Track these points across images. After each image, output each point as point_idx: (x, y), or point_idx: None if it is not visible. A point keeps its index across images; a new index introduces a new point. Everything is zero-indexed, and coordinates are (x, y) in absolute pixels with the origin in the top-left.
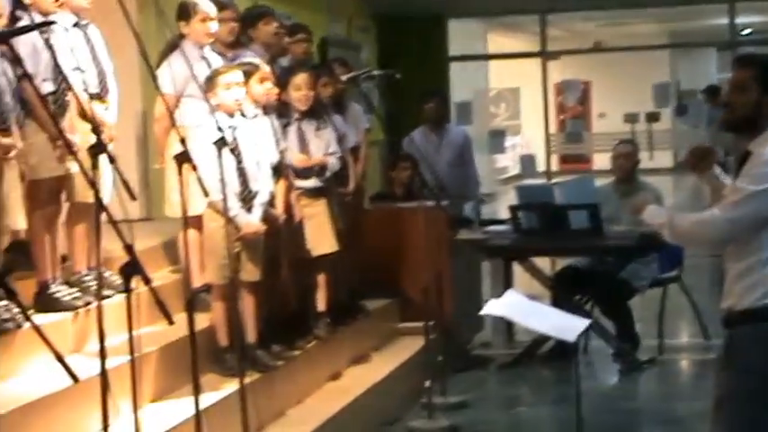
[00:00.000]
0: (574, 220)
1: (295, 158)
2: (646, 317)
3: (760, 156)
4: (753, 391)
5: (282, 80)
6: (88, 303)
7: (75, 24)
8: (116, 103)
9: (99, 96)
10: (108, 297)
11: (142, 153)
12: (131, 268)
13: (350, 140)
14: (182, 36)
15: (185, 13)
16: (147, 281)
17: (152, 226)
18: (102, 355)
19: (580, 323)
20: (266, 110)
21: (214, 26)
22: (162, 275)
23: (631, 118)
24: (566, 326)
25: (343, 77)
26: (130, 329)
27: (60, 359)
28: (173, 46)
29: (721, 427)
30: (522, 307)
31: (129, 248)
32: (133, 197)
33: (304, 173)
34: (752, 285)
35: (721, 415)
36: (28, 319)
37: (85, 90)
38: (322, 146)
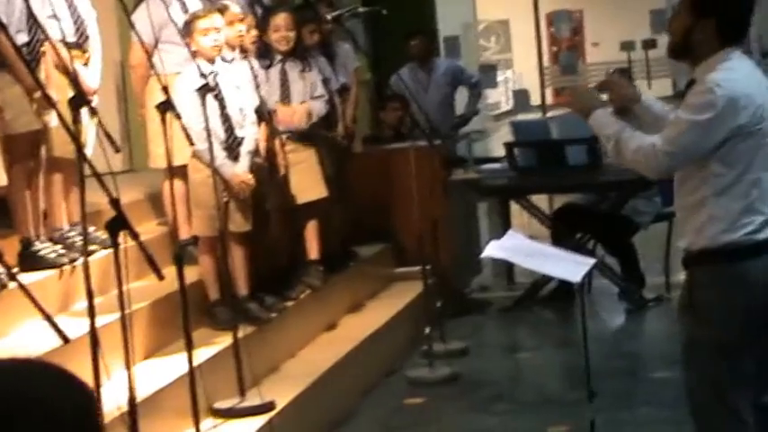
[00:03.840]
0: (572, 155)
1: (279, 112)
2: (651, 254)
3: (701, 83)
4: (715, 337)
5: (262, 21)
6: (74, 260)
7: None
8: (99, 62)
9: (78, 45)
10: (93, 253)
11: (121, 104)
12: (118, 223)
13: (338, 81)
14: None
15: None
16: (134, 236)
17: (135, 178)
18: (92, 313)
19: (585, 262)
20: (244, 53)
21: None
22: (147, 229)
23: (627, 46)
24: (570, 266)
25: (328, 17)
26: (120, 286)
27: (49, 319)
28: None
29: (690, 374)
30: (524, 248)
31: (114, 202)
32: (117, 149)
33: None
34: (706, 221)
35: (689, 360)
36: (14, 279)
37: (62, 40)
38: (306, 89)
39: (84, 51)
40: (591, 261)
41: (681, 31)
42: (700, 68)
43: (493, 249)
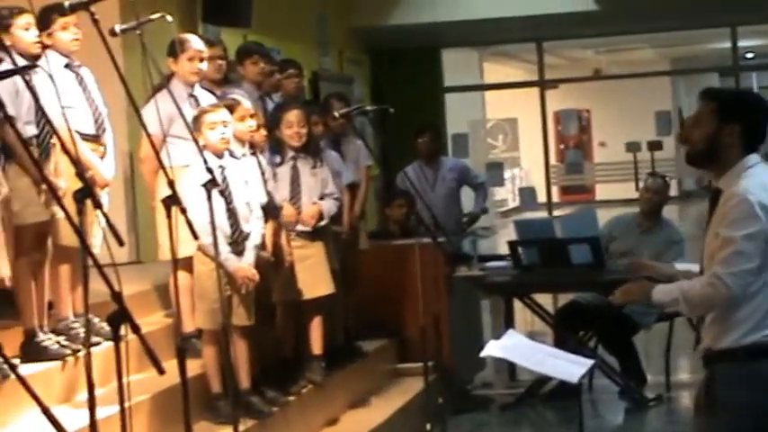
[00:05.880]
0: (575, 254)
1: (286, 212)
2: (652, 353)
3: (734, 197)
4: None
5: (274, 117)
6: (77, 351)
7: (66, 65)
8: (113, 154)
9: (95, 138)
10: (96, 344)
11: (129, 195)
12: (119, 316)
13: (346, 178)
14: (171, 74)
15: (174, 50)
16: (135, 329)
17: (142, 269)
18: (92, 405)
19: (583, 363)
20: (253, 149)
21: (203, 65)
22: (154, 320)
23: (633, 147)
24: (569, 366)
25: (336, 113)
26: (120, 380)
27: (47, 412)
28: (161, 85)
29: None
30: (523, 348)
31: (116, 296)
32: (121, 242)
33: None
34: (733, 323)
35: None
36: (14, 370)
37: (77, 131)
38: (317, 187)
39: (101, 144)
40: (589, 362)
41: (705, 138)
42: (724, 179)
43: (493, 348)
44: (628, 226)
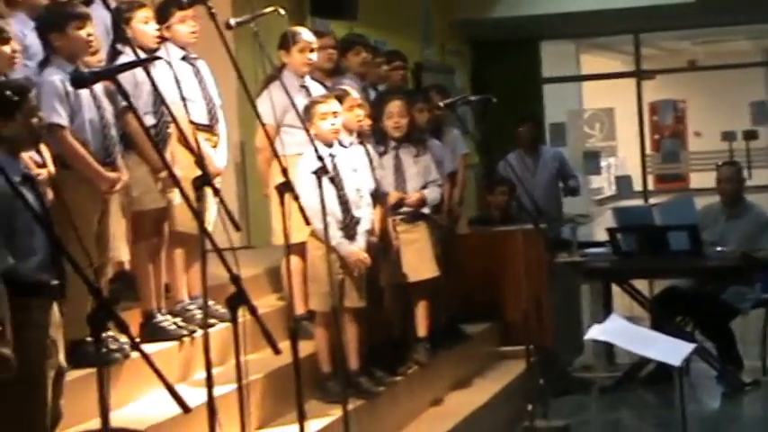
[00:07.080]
0: (674, 241)
1: (392, 196)
2: (748, 338)
3: None
4: None
5: (377, 108)
6: (193, 332)
7: (183, 58)
8: (225, 144)
9: (209, 128)
10: (212, 326)
11: (240, 183)
12: (238, 299)
13: (447, 166)
14: (282, 66)
15: (286, 42)
16: (253, 311)
17: (253, 254)
18: (210, 383)
19: (685, 347)
20: (361, 137)
21: (314, 56)
22: (266, 303)
23: (728, 136)
24: (671, 349)
25: (441, 104)
26: (238, 359)
27: (170, 389)
28: (273, 76)
29: None
30: (626, 331)
31: (235, 279)
32: (238, 227)
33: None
34: None
35: None
36: (138, 349)
37: (192, 122)
38: (420, 174)
39: (214, 134)
40: (691, 346)
41: None
42: None
43: (596, 332)
44: (716, 215)
